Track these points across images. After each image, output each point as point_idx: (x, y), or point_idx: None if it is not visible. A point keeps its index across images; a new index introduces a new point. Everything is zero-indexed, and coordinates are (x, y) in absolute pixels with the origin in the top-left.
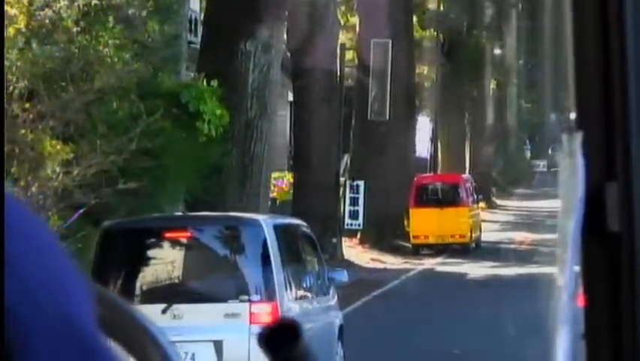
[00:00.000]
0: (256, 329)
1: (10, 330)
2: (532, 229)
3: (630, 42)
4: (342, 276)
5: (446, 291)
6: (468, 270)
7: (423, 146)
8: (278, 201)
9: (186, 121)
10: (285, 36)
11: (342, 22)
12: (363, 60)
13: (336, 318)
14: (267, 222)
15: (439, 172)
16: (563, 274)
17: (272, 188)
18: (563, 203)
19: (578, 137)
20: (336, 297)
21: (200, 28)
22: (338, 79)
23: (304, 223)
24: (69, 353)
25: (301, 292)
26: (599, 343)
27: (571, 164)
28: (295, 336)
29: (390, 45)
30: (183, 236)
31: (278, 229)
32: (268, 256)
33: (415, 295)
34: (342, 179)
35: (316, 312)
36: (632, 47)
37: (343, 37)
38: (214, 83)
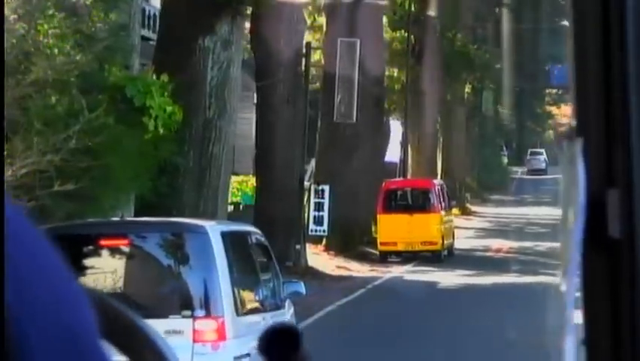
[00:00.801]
0: (200, 348)
1: (7, 332)
2: (511, 237)
3: (631, 48)
4: (299, 288)
5: (415, 301)
6: (439, 279)
7: (393, 150)
8: (242, 206)
9: (131, 117)
10: (247, 33)
11: (309, 22)
12: (331, 60)
13: None
14: (213, 228)
15: (409, 177)
16: (565, 281)
17: (237, 192)
18: (564, 210)
19: (579, 143)
20: (292, 311)
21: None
22: (303, 79)
23: (257, 230)
24: (67, 357)
25: (252, 307)
26: (599, 349)
27: (571, 170)
28: (295, 343)
29: (358, 44)
30: (121, 244)
31: (226, 237)
32: (214, 267)
33: (382, 305)
34: (307, 183)
35: None
36: (633, 53)
37: (310, 37)
38: (164, 77)
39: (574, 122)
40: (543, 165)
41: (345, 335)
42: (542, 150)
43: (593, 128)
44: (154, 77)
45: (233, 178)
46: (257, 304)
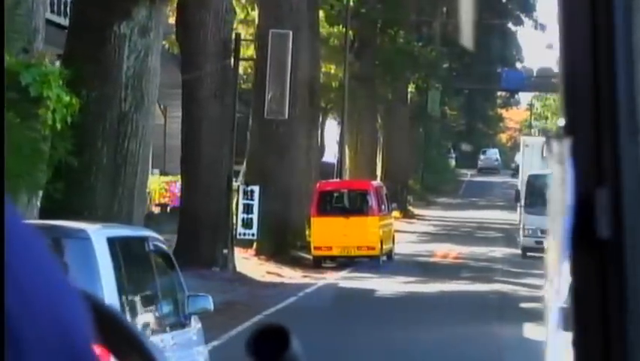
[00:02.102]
0: None
1: (5, 335)
2: (459, 241)
3: (619, 46)
4: (206, 303)
5: (350, 310)
6: (377, 286)
7: (332, 150)
8: (169, 208)
9: (26, 108)
10: (171, 23)
11: (242, 16)
12: (262, 54)
13: (199, 356)
14: (97, 233)
15: (347, 179)
16: (554, 281)
17: (166, 193)
18: (553, 209)
19: (567, 142)
20: (199, 329)
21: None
22: (232, 73)
23: (157, 236)
24: (61, 359)
25: (148, 325)
26: (588, 349)
27: (560, 170)
28: (284, 342)
29: (290, 36)
30: None
31: (115, 243)
32: (97, 278)
33: (314, 314)
34: (237, 184)
35: (171, 349)
36: (621, 51)
37: (244, 31)
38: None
39: (563, 122)
40: (495, 164)
41: None
42: (495, 150)
43: (582, 128)
44: (57, 64)
45: (163, 178)
46: (154, 323)
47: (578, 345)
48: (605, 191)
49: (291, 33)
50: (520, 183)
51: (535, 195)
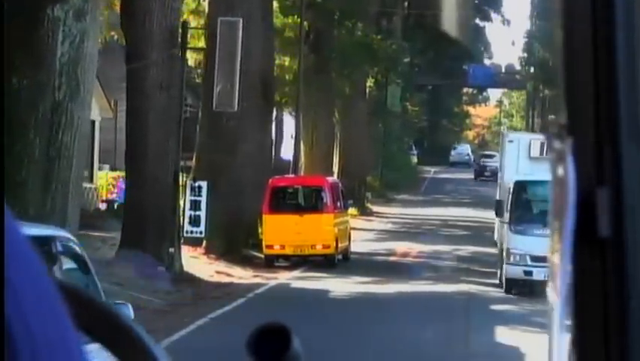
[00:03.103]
0: None
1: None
2: (420, 240)
3: (620, 46)
4: (125, 312)
5: (300, 312)
6: (331, 286)
7: (290, 146)
8: (117, 205)
9: None
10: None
11: (194, 6)
12: (213, 43)
13: None
14: None
15: (302, 175)
16: (555, 280)
17: (112, 189)
18: (554, 209)
19: (568, 142)
20: None
21: None
22: (180, 63)
23: (69, 236)
24: None
25: None
26: (589, 348)
27: (561, 169)
28: (285, 341)
29: (240, 25)
30: None
31: None
32: None
33: (262, 317)
34: (188, 180)
35: None
36: (622, 50)
37: (195, 22)
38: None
39: (564, 121)
40: (466, 159)
41: (213, 358)
42: (467, 145)
43: (583, 127)
44: None
45: (111, 174)
46: None
47: (579, 344)
48: (606, 190)
49: (241, 21)
50: (501, 190)
51: (524, 208)
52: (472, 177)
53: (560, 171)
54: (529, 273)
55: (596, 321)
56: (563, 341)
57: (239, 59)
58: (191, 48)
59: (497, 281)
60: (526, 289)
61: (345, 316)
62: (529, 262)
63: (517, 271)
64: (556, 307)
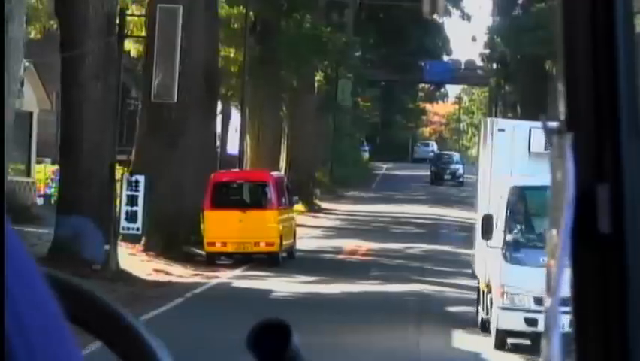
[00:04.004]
0: None
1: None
2: (370, 237)
3: (620, 42)
4: None
5: (241, 314)
6: (274, 286)
7: (235, 141)
8: (54, 200)
9: None
10: None
11: None
12: (153, 32)
13: None
14: None
15: (248, 169)
16: (553, 277)
17: (51, 183)
18: (554, 205)
19: (568, 138)
20: None
21: None
22: (117, 51)
23: None
24: None
25: None
26: (589, 345)
27: (561, 165)
28: (286, 338)
29: (180, 12)
30: None
31: None
32: None
33: (199, 320)
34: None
35: None
36: (622, 46)
37: (138, 11)
38: None
39: (564, 117)
40: (431, 155)
41: None
42: (433, 142)
43: (583, 123)
44: None
45: (50, 168)
46: None
47: (578, 342)
48: (606, 186)
49: (181, 8)
50: (483, 199)
51: (524, 227)
52: (428, 175)
53: (560, 167)
54: (532, 322)
55: (596, 319)
56: (561, 340)
57: (179, 48)
58: (129, 36)
59: (454, 281)
60: (527, 343)
61: (287, 318)
62: (533, 306)
63: (514, 319)
64: (554, 305)
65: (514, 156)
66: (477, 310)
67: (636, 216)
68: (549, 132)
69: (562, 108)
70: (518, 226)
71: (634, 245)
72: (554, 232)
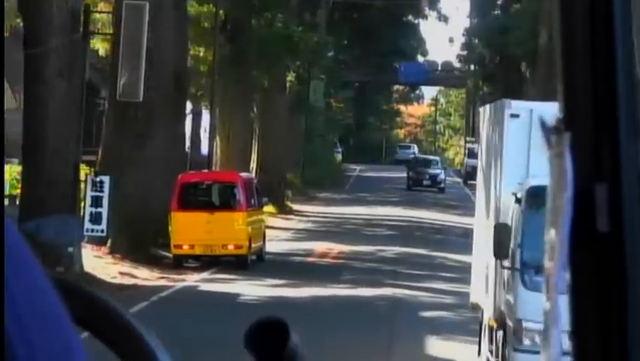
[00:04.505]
0: None
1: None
2: (341, 240)
3: (618, 40)
4: None
5: (206, 319)
6: (242, 290)
7: (206, 141)
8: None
9: None
10: None
11: None
12: (119, 29)
13: None
14: None
15: (218, 170)
16: (552, 277)
17: (17, 183)
18: (551, 204)
19: (567, 137)
20: None
21: None
22: (82, 49)
23: None
24: None
25: None
26: (587, 344)
27: (559, 165)
28: (283, 335)
29: (146, 9)
30: None
31: None
32: None
33: (162, 326)
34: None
35: None
36: (620, 45)
37: (107, 9)
38: None
39: (562, 116)
40: (411, 157)
41: None
42: (414, 145)
43: (581, 122)
44: None
45: (16, 168)
46: None
47: (577, 340)
48: (605, 186)
49: (147, 5)
50: (492, 204)
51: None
52: (403, 177)
53: (558, 166)
54: None
55: (595, 318)
56: (559, 339)
57: (145, 46)
58: (94, 33)
59: (427, 285)
60: None
61: (249, 323)
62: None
63: None
64: (552, 304)
65: (529, 148)
66: (479, 350)
67: (634, 215)
68: (547, 131)
69: (560, 107)
70: (539, 240)
71: (632, 244)
72: (553, 231)
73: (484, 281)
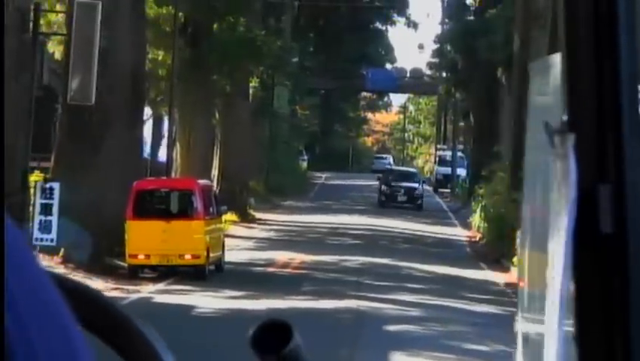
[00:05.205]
0: None
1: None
2: (304, 249)
3: (622, 42)
4: None
5: (160, 333)
6: (198, 301)
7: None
8: None
9: None
10: None
11: None
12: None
13: None
14: None
15: (175, 177)
16: (555, 278)
17: None
18: (555, 206)
19: (570, 138)
20: None
21: None
22: (32, 49)
23: None
24: None
25: None
26: (591, 346)
27: (563, 166)
28: (288, 337)
29: (99, 8)
30: None
31: None
32: None
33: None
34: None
35: None
36: (624, 47)
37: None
38: None
39: (566, 118)
40: (388, 167)
41: None
42: (389, 156)
43: (585, 124)
44: None
45: None
46: None
47: (581, 342)
48: (608, 187)
49: (100, 4)
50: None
51: None
52: (369, 185)
53: (562, 167)
54: None
55: (598, 319)
56: (562, 337)
57: (97, 46)
58: (42, 33)
59: (393, 297)
60: None
61: (207, 338)
62: None
63: None
64: (556, 305)
65: None
66: None
67: (638, 216)
68: (551, 133)
69: (564, 109)
70: None
71: (636, 245)
72: (557, 232)
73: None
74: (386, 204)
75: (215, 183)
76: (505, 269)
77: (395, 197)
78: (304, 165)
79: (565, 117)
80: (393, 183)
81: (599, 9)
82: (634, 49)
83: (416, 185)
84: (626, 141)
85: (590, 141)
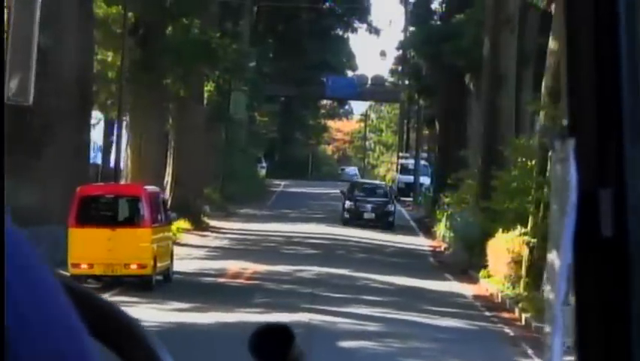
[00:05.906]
0: None
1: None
2: (258, 258)
3: (623, 47)
4: None
5: (100, 348)
6: (143, 314)
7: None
8: None
9: None
10: None
11: None
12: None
13: None
14: None
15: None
16: (555, 282)
17: None
18: (555, 209)
19: (571, 143)
20: None
21: None
22: None
23: None
24: None
25: None
26: (591, 350)
27: (563, 170)
28: (288, 341)
29: (38, 3)
30: None
31: None
32: None
33: None
34: None
35: None
36: (625, 52)
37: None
38: None
39: (566, 122)
40: (355, 179)
41: None
42: (355, 168)
43: (586, 128)
44: None
45: None
46: None
47: (581, 345)
48: (609, 191)
49: None
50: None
51: None
52: (328, 193)
53: (562, 171)
54: None
55: (599, 321)
56: (561, 341)
57: (35, 43)
58: None
59: (348, 310)
60: None
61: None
62: None
63: None
64: (556, 308)
65: None
66: None
67: (638, 220)
68: (551, 137)
69: (565, 113)
70: None
71: (636, 249)
72: (558, 235)
73: None
74: (350, 222)
75: (168, 190)
76: (474, 280)
77: (361, 214)
78: (263, 172)
79: (565, 121)
80: (359, 198)
81: (599, 13)
82: (635, 53)
83: (386, 199)
84: (627, 145)
85: (590, 145)
